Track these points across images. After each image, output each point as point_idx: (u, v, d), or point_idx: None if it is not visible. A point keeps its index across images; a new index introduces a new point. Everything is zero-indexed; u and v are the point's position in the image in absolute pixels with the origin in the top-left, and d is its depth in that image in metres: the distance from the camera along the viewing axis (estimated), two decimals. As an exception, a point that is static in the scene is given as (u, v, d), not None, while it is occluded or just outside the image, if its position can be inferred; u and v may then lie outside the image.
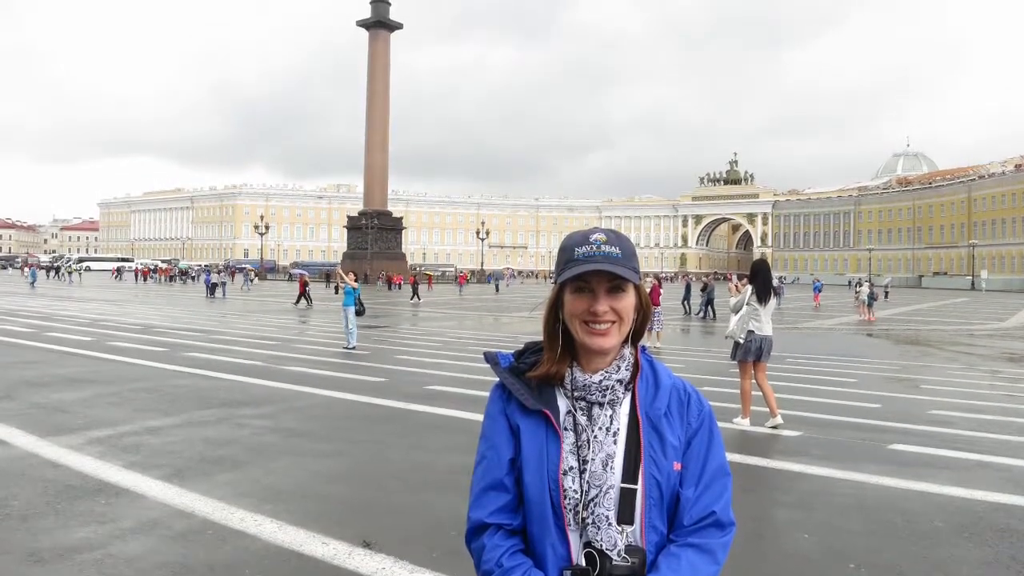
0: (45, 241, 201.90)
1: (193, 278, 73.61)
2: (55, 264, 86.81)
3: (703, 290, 30.85)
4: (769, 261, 12.53)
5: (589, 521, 1.48)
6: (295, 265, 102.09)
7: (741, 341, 8.56)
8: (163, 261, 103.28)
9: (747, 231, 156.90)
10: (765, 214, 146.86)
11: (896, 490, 5.88)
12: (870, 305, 30.69)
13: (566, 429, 1.53)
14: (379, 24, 78.28)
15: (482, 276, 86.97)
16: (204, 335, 18.40)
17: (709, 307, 29.69)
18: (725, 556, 1.52)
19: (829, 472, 6.39)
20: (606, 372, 1.54)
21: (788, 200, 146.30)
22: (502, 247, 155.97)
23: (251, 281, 56.95)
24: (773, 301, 8.75)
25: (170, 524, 4.76)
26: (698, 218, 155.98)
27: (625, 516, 1.48)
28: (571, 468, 1.50)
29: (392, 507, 5.34)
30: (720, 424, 1.84)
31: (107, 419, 7.95)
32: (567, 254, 1.53)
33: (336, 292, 44.16)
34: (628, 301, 1.52)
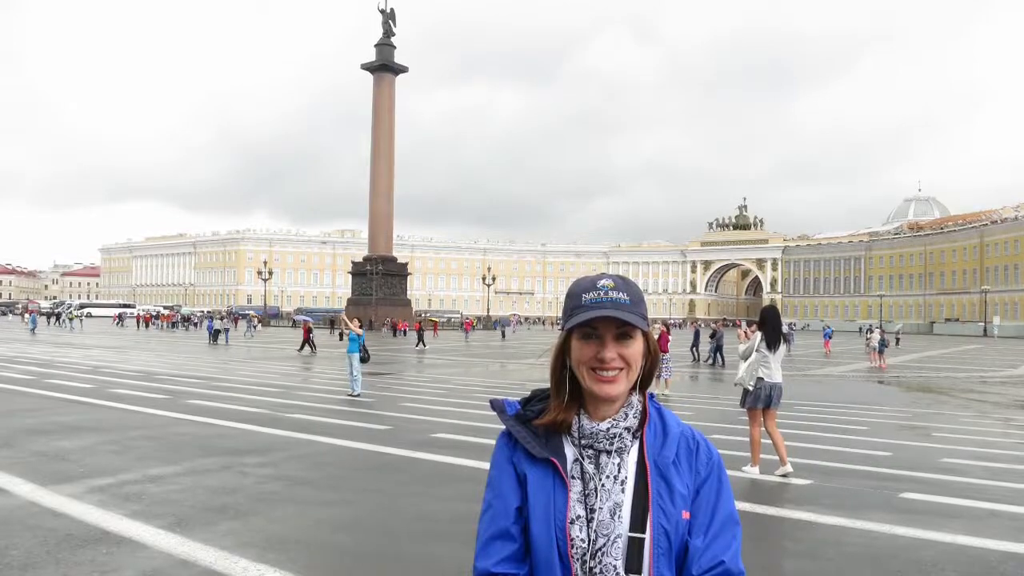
0: (46, 287, 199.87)
1: (196, 324, 73.75)
2: (56, 311, 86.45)
3: (712, 336, 30.75)
4: (779, 307, 12.51)
5: (597, 571, 1.46)
6: (299, 311, 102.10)
7: (750, 388, 8.50)
8: (165, 307, 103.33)
9: (756, 277, 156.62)
10: (775, 259, 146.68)
11: (907, 539, 5.79)
12: (881, 352, 30.51)
13: (573, 477, 1.52)
14: (384, 68, 77.61)
15: (488, 322, 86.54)
16: (207, 382, 18.35)
17: (718, 354, 29.53)
18: (734, 607, 1.49)
19: (839, 521, 6.30)
20: (614, 420, 1.53)
21: (798, 245, 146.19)
22: (508, 293, 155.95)
23: (254, 327, 56.81)
24: (783, 348, 8.69)
25: (172, 574, 4.70)
26: (707, 264, 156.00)
27: (633, 565, 1.46)
28: (578, 517, 1.48)
29: (398, 556, 5.27)
30: (729, 472, 1.82)
31: (108, 467, 7.89)
32: (574, 300, 1.53)
33: (340, 339, 44.16)
34: (636, 348, 1.51)
